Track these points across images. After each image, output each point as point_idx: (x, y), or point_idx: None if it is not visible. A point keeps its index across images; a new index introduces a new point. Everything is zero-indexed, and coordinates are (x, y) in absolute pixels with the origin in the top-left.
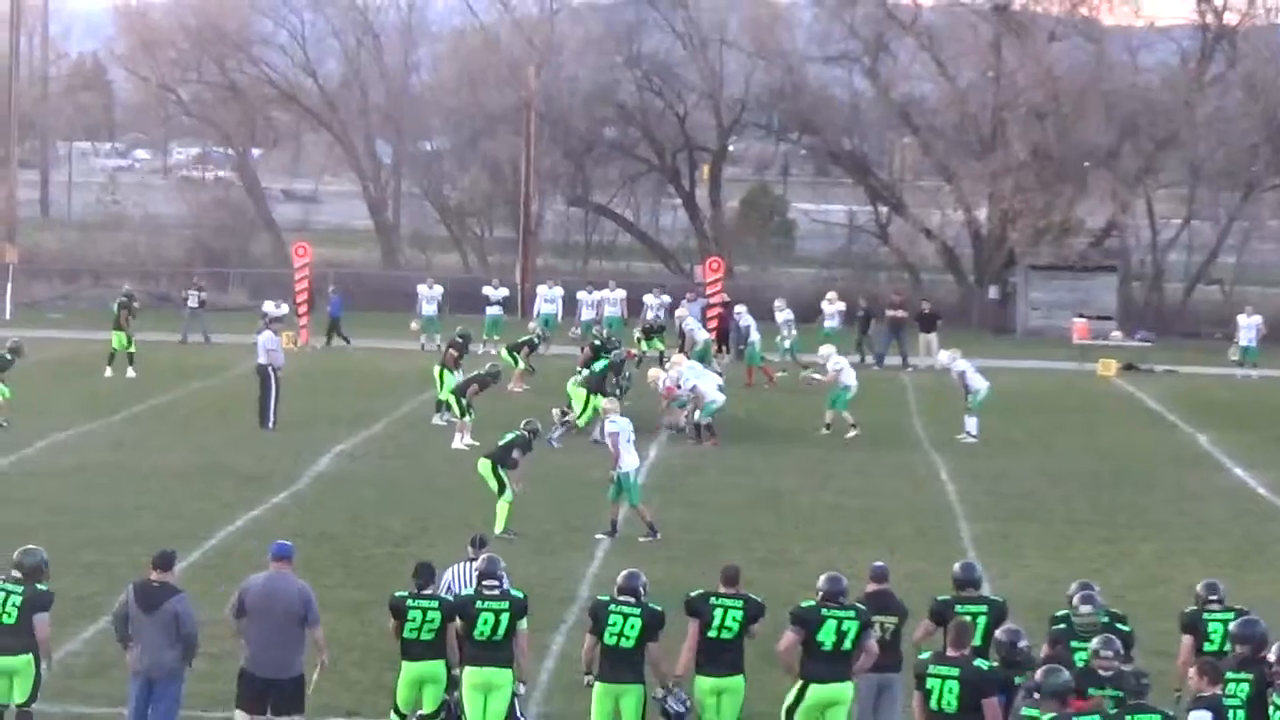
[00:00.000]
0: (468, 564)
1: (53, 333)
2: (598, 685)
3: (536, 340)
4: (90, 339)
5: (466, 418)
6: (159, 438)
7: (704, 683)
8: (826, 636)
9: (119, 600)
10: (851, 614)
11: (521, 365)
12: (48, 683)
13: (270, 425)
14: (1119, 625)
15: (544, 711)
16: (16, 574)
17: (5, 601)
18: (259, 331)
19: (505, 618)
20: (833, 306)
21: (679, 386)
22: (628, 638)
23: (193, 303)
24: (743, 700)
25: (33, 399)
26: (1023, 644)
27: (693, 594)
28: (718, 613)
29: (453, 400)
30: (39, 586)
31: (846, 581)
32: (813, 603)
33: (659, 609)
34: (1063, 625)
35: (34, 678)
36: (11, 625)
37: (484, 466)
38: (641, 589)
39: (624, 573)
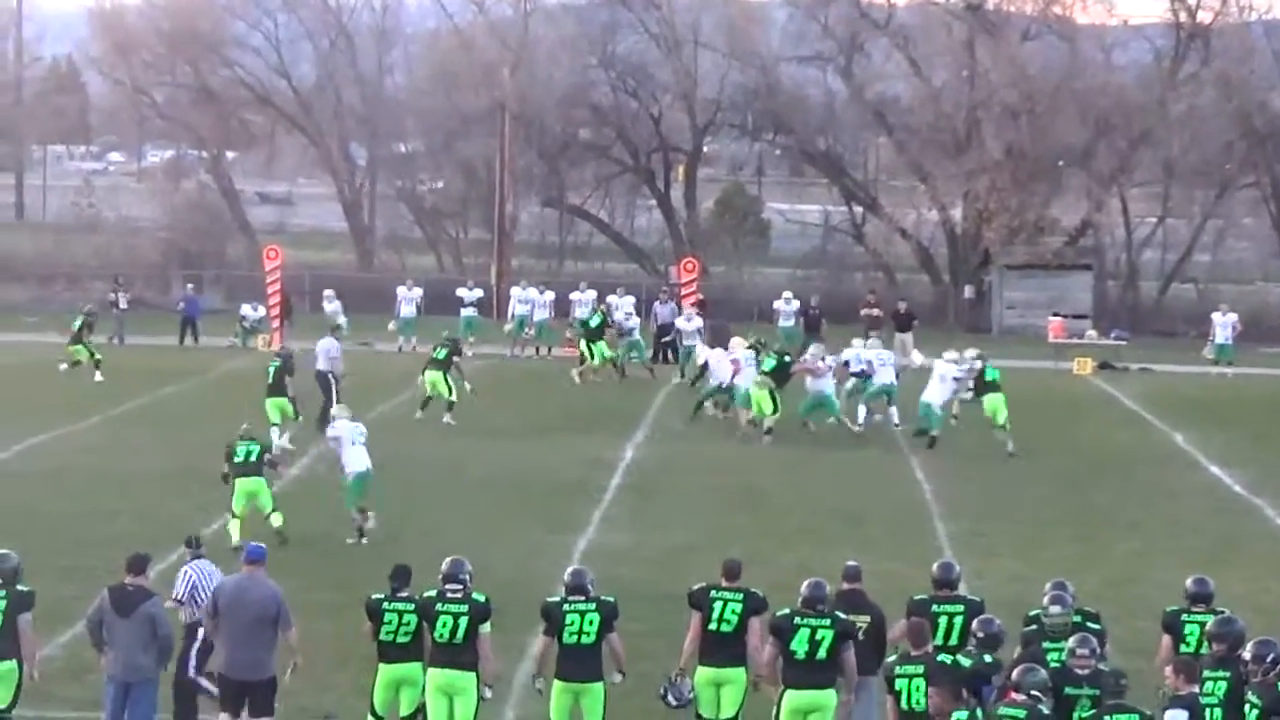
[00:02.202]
0: (194, 563)
1: (27, 336)
2: (556, 683)
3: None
4: (65, 343)
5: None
6: (135, 441)
7: (704, 673)
8: (799, 645)
9: (93, 605)
10: (827, 622)
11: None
12: (25, 687)
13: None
14: (1090, 624)
15: (520, 714)
16: None
17: None
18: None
19: (465, 621)
20: (789, 306)
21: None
22: (587, 634)
23: (122, 304)
24: (744, 693)
25: (7, 403)
26: (996, 626)
27: (694, 587)
28: (717, 605)
29: (286, 404)
30: (20, 588)
31: (828, 588)
32: (788, 611)
33: (612, 600)
34: (1034, 626)
35: (17, 682)
36: None
37: (252, 485)
38: (590, 585)
39: (570, 570)
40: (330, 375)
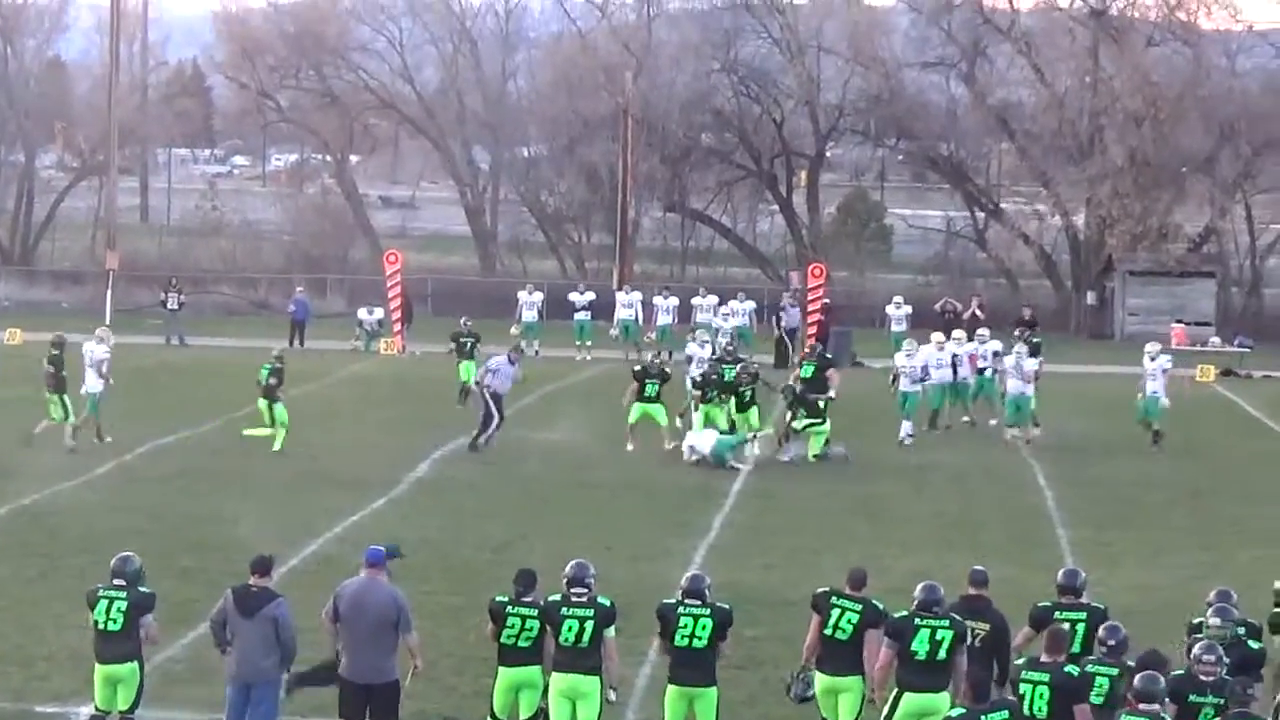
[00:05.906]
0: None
1: (151, 338)
2: (670, 688)
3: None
4: (189, 344)
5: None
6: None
7: (822, 681)
8: (920, 646)
9: (217, 606)
10: (946, 624)
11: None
12: (147, 688)
13: (479, 445)
14: (1250, 642)
15: (642, 717)
16: (119, 581)
17: (110, 608)
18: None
19: (590, 625)
20: (899, 311)
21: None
22: (700, 638)
23: (172, 304)
24: (861, 702)
25: (133, 405)
26: (1123, 634)
27: (818, 590)
28: (834, 612)
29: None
30: (141, 590)
31: (943, 591)
32: (906, 613)
33: (727, 607)
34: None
35: (138, 685)
36: (118, 632)
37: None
38: (706, 590)
39: (688, 575)
40: (482, 388)
